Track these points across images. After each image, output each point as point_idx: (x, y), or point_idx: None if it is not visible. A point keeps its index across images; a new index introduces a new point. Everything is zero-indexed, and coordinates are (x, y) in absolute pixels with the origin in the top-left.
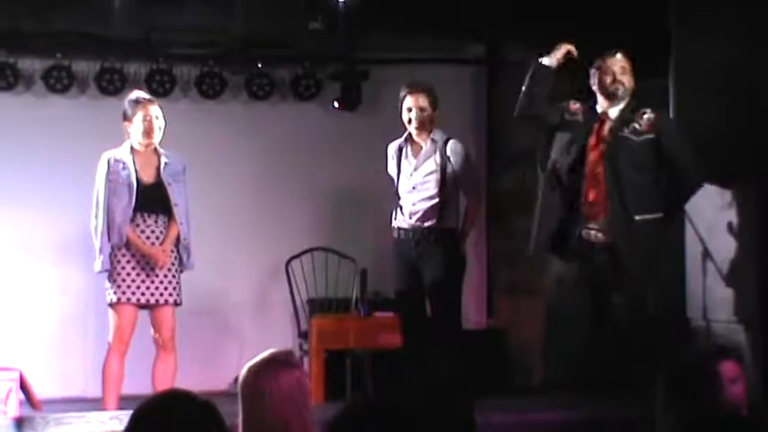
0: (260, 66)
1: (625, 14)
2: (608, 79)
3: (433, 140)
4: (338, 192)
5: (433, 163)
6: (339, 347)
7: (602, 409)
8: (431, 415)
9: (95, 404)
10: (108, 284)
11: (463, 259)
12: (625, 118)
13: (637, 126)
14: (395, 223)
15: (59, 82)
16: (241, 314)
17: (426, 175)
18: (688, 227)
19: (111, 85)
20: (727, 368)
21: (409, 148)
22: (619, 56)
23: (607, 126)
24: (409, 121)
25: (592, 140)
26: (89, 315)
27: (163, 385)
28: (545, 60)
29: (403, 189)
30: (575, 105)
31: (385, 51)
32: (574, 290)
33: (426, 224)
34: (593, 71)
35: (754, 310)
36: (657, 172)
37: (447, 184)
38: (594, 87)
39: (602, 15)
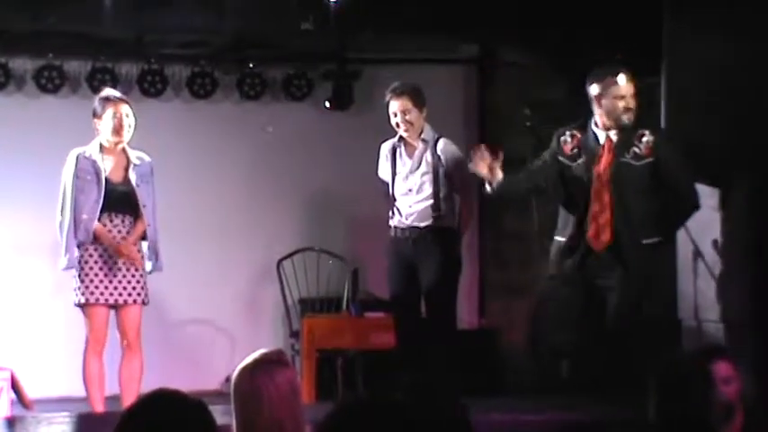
0: (251, 66)
1: (618, 14)
2: (621, 106)
3: (424, 141)
4: (330, 191)
5: (425, 164)
6: (330, 347)
7: (597, 410)
8: (418, 415)
9: (86, 404)
10: (75, 285)
11: (459, 259)
12: (625, 141)
13: (637, 150)
14: (391, 222)
15: (51, 82)
16: (232, 314)
17: (421, 176)
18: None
19: (103, 85)
20: (720, 368)
21: (403, 148)
22: (623, 79)
23: (610, 153)
24: (397, 125)
25: (596, 169)
26: (81, 315)
27: (130, 387)
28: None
29: (398, 191)
30: (569, 145)
31: (377, 51)
32: (564, 286)
33: (423, 224)
34: (598, 94)
35: (745, 311)
36: (658, 195)
37: (440, 183)
38: (599, 112)
39: (595, 15)
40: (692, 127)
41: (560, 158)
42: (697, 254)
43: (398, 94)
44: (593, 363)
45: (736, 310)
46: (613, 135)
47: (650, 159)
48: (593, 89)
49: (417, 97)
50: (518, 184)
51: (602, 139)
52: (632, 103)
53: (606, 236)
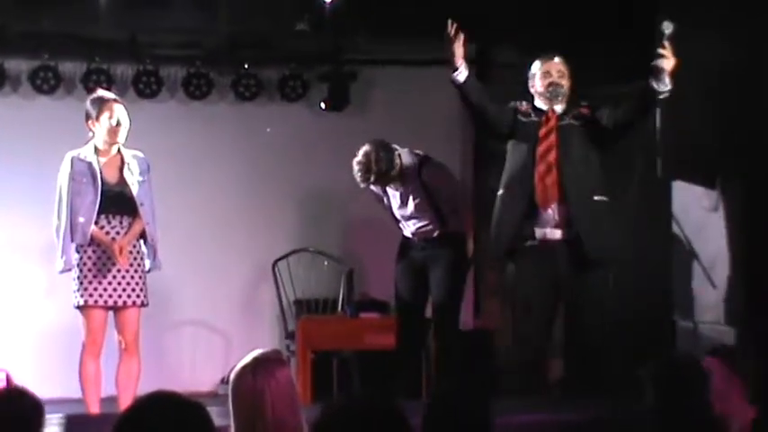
0: (247, 67)
1: (615, 14)
2: (545, 83)
3: (405, 181)
4: (325, 192)
5: (417, 195)
6: (326, 348)
7: (593, 409)
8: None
9: (82, 405)
10: (74, 287)
11: (468, 260)
12: (568, 109)
13: (577, 113)
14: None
15: (46, 83)
16: (228, 315)
17: (416, 204)
18: (674, 228)
19: (98, 86)
20: (709, 365)
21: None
22: (557, 59)
23: (553, 117)
24: None
25: (542, 132)
26: (76, 316)
27: (126, 390)
28: (459, 76)
29: (398, 214)
30: (524, 106)
31: (373, 52)
32: (533, 289)
33: (432, 236)
34: (531, 75)
35: (740, 312)
36: (603, 153)
37: (438, 204)
38: (532, 90)
39: (592, 15)
40: (688, 128)
41: (518, 116)
42: (692, 255)
43: (373, 181)
44: (584, 361)
45: (732, 310)
46: (556, 107)
47: (592, 117)
48: (532, 69)
49: (386, 162)
50: (482, 92)
51: (545, 108)
52: (560, 79)
53: (554, 198)
